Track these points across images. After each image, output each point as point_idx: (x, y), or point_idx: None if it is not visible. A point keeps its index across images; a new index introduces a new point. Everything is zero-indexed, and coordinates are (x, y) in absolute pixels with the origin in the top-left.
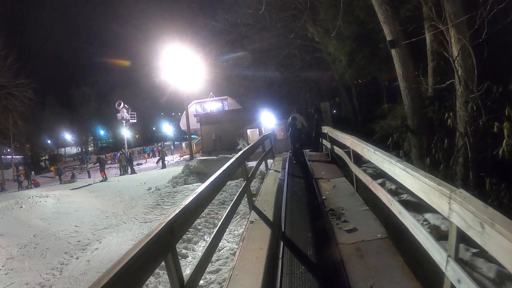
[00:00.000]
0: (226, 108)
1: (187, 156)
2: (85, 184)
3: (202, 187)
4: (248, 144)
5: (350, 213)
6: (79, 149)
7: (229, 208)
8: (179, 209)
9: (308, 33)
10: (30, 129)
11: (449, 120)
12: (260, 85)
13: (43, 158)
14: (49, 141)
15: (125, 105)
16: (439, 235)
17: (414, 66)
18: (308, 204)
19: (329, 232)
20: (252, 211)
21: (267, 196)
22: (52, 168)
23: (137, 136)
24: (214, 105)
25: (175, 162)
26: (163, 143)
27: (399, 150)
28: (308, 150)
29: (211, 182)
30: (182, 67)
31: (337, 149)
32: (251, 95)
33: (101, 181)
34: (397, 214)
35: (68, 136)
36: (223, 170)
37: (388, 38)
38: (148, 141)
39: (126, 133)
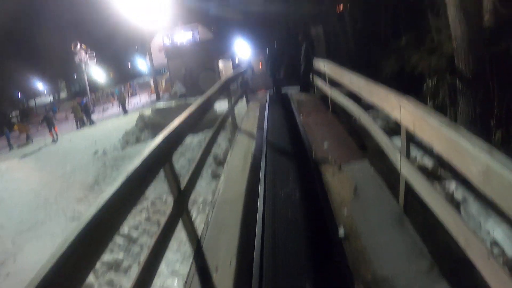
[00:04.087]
0: (197, 39)
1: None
2: (37, 148)
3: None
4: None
5: None
6: (51, 97)
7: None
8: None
9: None
10: None
11: None
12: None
13: (14, 115)
14: (19, 95)
15: (82, 45)
16: None
17: None
18: (311, 247)
19: None
20: (193, 267)
21: (227, 209)
22: (15, 127)
23: (111, 74)
24: (183, 36)
25: (141, 105)
26: (129, 85)
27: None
28: (294, 91)
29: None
30: None
31: (343, 101)
32: (224, 22)
33: (52, 141)
34: None
35: (39, 85)
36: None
37: None
38: (124, 79)
39: (89, 75)
